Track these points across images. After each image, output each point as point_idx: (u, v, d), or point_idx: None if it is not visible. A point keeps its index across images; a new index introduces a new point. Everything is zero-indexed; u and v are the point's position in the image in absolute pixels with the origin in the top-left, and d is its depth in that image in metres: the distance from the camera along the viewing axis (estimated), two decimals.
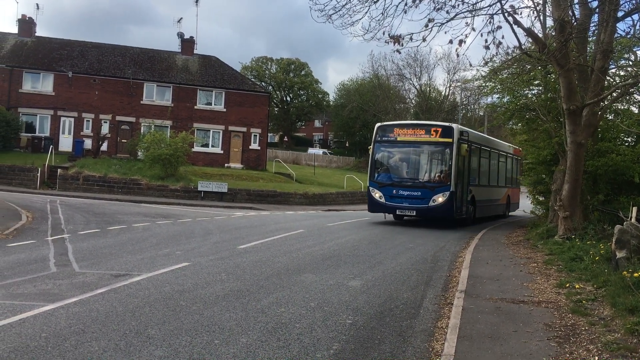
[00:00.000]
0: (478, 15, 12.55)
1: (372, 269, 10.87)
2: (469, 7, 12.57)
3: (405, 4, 12.81)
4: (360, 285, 9.33)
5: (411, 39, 12.36)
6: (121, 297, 7.66)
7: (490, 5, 12.56)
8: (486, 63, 17.29)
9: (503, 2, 12.29)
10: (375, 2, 13.19)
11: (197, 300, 7.70)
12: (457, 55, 14.17)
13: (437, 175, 19.57)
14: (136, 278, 8.86)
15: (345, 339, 6.34)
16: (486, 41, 11.87)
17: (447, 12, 12.51)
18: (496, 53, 13.86)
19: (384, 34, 12.64)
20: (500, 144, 27.31)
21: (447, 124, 20.33)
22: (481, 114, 59.88)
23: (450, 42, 11.93)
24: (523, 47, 14.66)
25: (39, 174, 29.93)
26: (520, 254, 13.23)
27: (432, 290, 9.35)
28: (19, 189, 28.12)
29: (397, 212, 19.92)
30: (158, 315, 6.82)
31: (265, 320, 6.86)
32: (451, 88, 63.02)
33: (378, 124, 20.91)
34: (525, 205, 25.87)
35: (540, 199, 20.52)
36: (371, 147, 20.40)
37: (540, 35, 14.35)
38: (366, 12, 13.53)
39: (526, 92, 20.70)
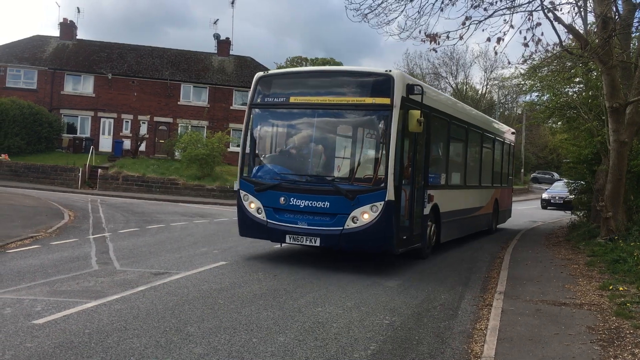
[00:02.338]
0: (517, 12, 12.35)
1: (409, 269, 10.79)
2: (507, 4, 12.38)
3: (442, 2, 12.71)
4: (397, 285, 9.28)
5: (448, 37, 12.24)
6: (161, 295, 7.78)
7: (529, 2, 12.33)
8: (525, 61, 16.99)
9: None
10: (411, 1, 13.10)
11: (235, 298, 7.76)
12: (495, 53, 13.88)
13: (362, 168, 10.86)
14: (175, 276, 8.99)
15: (382, 339, 6.31)
16: (525, 38, 11.69)
17: (485, 9, 12.35)
18: (535, 50, 13.63)
19: (420, 32, 12.54)
20: (484, 118, 18.25)
21: (381, 70, 10.60)
22: (519, 112, 59.03)
23: (488, 40, 11.78)
24: (563, 44, 14.36)
25: (80, 174, 30.66)
26: (560, 255, 12.96)
27: (471, 291, 9.23)
28: (61, 189, 28.84)
29: (288, 240, 10.47)
30: (197, 313, 6.91)
31: (302, 320, 6.88)
32: (488, 86, 62.29)
33: (259, 74, 11.55)
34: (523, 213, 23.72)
35: (582, 199, 20.07)
36: (245, 115, 11.65)
37: (582, 32, 14.04)
38: (402, 11, 13.48)
39: (567, 89, 20.30)
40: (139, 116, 39.15)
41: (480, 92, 63.26)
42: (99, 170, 31.29)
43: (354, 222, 9.97)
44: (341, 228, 10.03)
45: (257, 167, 11.32)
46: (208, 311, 7.04)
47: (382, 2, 13.10)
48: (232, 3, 46.21)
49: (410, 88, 10.65)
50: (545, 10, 12.20)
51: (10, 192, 23.33)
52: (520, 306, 7.84)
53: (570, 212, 20.89)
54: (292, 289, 8.51)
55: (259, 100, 11.40)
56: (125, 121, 39.23)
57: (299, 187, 10.48)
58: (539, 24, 11.65)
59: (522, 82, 22.97)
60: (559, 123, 23.68)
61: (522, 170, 54.06)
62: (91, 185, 30.92)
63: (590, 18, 15.10)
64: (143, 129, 38.44)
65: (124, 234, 13.88)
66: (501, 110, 61.14)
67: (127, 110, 39.07)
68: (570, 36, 14.80)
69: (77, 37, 43.06)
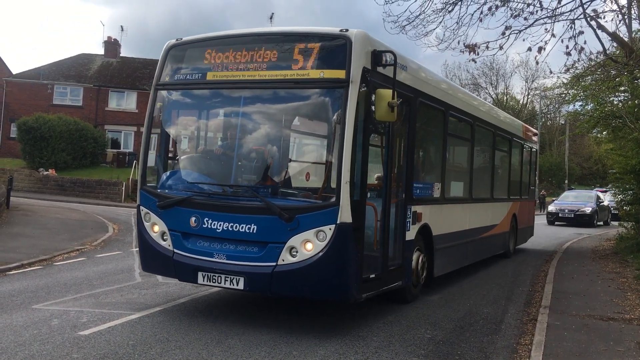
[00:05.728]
0: (558, 21, 12.19)
1: (450, 282, 10.64)
2: (548, 13, 12.24)
3: (481, 12, 12.63)
4: (438, 298, 9.16)
5: (487, 47, 12.19)
6: (202, 307, 7.87)
7: (571, 10, 12.15)
8: (567, 70, 16.68)
9: (585, 6, 11.87)
10: (449, 12, 13.06)
11: (275, 312, 7.79)
12: (537, 63, 13.75)
13: (304, 175, 8.02)
14: (215, 289, 9.06)
15: (424, 354, 6.23)
16: (567, 47, 11.53)
17: (525, 18, 12.25)
18: (578, 59, 13.41)
19: (459, 43, 12.46)
20: (497, 113, 14.25)
21: (335, 30, 7.13)
22: (562, 122, 57.88)
23: (529, 49, 11.68)
24: (607, 52, 14.06)
25: (123, 188, 31.33)
26: (608, 269, 12.59)
27: (514, 305, 9.04)
28: (106, 202, 29.52)
29: (201, 280, 7.17)
30: (237, 325, 6.95)
31: (343, 333, 6.84)
32: (529, 96, 61.37)
33: (169, 42, 8.37)
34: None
35: (629, 210, 19.49)
36: (149, 100, 8.58)
37: (626, 40, 13.72)
38: (440, 22, 13.42)
39: (612, 98, 19.81)
40: None
41: (521, 102, 62.36)
42: None
43: (293, 256, 6.70)
44: (274, 264, 6.75)
45: (164, 174, 8.34)
46: (248, 323, 7.07)
47: (420, 14, 13.09)
48: (271, 18, 46.82)
49: (377, 57, 7.19)
50: (588, 19, 12.02)
51: (57, 206, 24.00)
52: (566, 321, 7.64)
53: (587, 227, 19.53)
54: (331, 302, 8.48)
55: (167, 79, 8.21)
56: None
57: (215, 203, 7.25)
58: (581, 33, 11.52)
59: (564, 92, 22.49)
60: (604, 133, 23.05)
61: (567, 182, 52.85)
62: (134, 198, 31.51)
63: (635, 25, 14.77)
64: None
65: None
66: (543, 120, 60.05)
67: None
68: (615, 44, 14.50)
69: (121, 55, 44.27)
